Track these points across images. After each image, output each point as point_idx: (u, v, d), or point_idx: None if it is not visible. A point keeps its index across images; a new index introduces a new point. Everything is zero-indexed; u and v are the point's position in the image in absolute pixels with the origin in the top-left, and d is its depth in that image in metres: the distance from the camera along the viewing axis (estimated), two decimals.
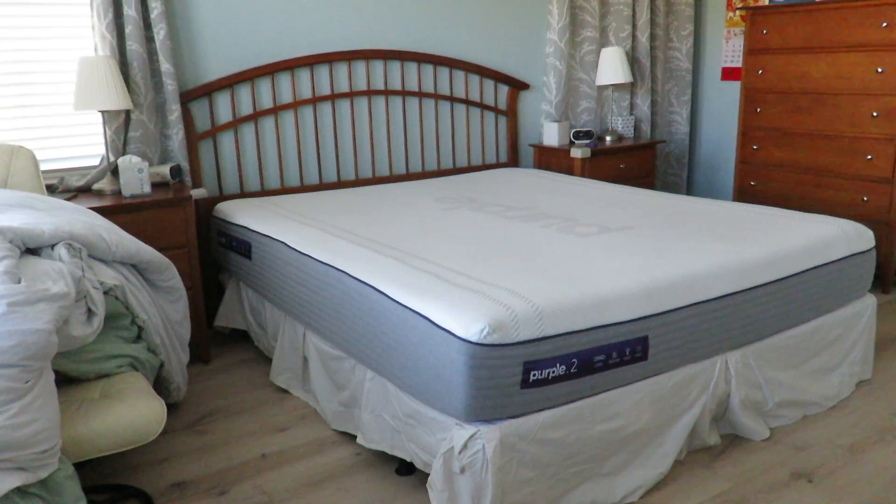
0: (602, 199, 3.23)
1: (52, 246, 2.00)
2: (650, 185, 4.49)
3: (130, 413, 1.91)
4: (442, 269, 2.19)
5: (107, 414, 1.88)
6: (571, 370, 1.89)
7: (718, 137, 4.92)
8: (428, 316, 1.89)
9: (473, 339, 1.76)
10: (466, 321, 1.79)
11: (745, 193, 4.28)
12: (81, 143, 3.18)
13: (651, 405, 2.08)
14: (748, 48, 4.15)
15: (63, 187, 3.04)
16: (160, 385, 2.55)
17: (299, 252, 2.60)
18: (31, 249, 1.97)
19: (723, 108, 4.86)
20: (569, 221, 2.81)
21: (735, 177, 4.32)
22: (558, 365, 1.87)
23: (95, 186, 3.02)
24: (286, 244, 2.70)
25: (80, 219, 2.21)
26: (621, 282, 2.05)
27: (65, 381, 2.04)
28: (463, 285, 2.01)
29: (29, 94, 3.04)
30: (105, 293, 2.15)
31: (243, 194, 3.52)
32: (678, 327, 2.10)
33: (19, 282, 1.70)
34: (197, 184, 3.38)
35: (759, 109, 4.15)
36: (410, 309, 1.96)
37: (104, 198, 2.93)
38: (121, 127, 3.11)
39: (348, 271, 2.29)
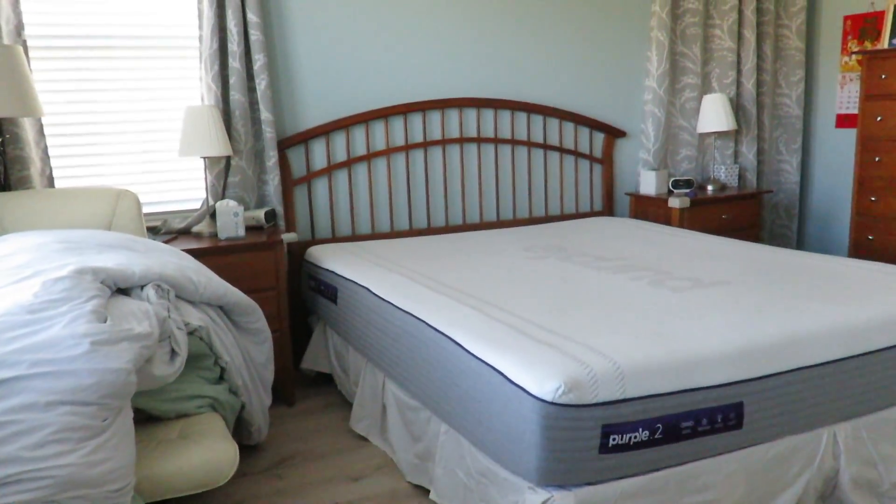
0: (700, 252, 3.06)
1: (143, 286, 2.07)
2: (755, 238, 4.24)
3: (205, 455, 1.93)
4: (521, 320, 2.12)
5: (182, 455, 1.91)
6: (656, 436, 1.76)
7: (832, 188, 4.61)
8: (501, 370, 1.82)
9: (548, 397, 1.67)
10: (541, 378, 1.70)
11: (861, 248, 3.97)
12: (185, 188, 3.34)
13: (746, 479, 1.91)
14: (865, 93, 3.89)
15: (165, 229, 3.19)
16: (241, 426, 2.58)
17: (381, 298, 2.59)
18: (123, 289, 2.05)
19: (837, 156, 4.57)
20: (661, 274, 2.67)
21: (851, 230, 4.02)
22: (641, 430, 1.74)
23: (195, 229, 3.15)
24: (370, 290, 2.70)
25: (171, 260, 2.29)
26: (713, 341, 1.90)
27: (146, 419, 2.09)
28: (541, 339, 1.93)
29: (140, 140, 3.23)
30: (190, 334, 2.21)
31: (335, 239, 3.58)
32: (778, 394, 1.92)
33: (105, 321, 1.76)
34: (290, 228, 3.46)
35: (877, 158, 3.86)
36: (484, 362, 1.89)
37: (202, 240, 3.04)
38: (221, 172, 3.24)
39: (426, 319, 2.25)
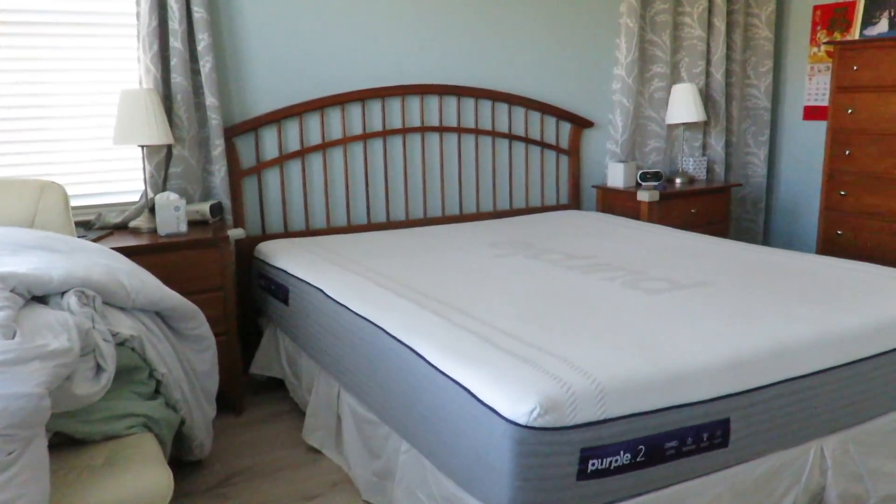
0: (671, 249, 2.92)
1: (63, 293, 1.83)
2: (723, 232, 4.14)
3: (134, 484, 1.70)
4: (490, 328, 1.94)
5: (107, 485, 1.68)
6: (638, 458, 1.60)
7: (800, 181, 4.54)
8: (469, 387, 1.64)
9: (521, 420, 1.49)
10: (514, 398, 1.52)
11: (831, 243, 3.89)
12: (123, 179, 3.07)
13: (732, 500, 1.76)
14: (836, 85, 3.80)
15: (100, 224, 2.92)
16: (182, 442, 2.35)
17: (335, 301, 2.38)
18: (40, 297, 1.81)
19: (805, 149, 4.49)
20: (635, 274, 2.52)
21: (820, 225, 3.94)
22: (622, 452, 1.58)
23: (132, 224, 2.89)
24: (323, 291, 2.49)
25: (100, 262, 2.05)
26: (700, 352, 1.75)
27: (67, 442, 1.86)
28: (512, 351, 1.75)
29: (72, 127, 2.95)
30: (120, 345, 1.98)
31: (287, 234, 3.35)
32: (765, 408, 1.78)
33: (13, 336, 1.53)
34: (239, 222, 3.22)
35: (848, 152, 3.78)
36: (449, 377, 1.71)
37: (140, 236, 2.79)
38: (162, 162, 2.98)
39: (384, 327, 2.06)
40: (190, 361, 2.36)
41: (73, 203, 2.97)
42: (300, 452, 2.60)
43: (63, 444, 1.86)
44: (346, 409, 2.36)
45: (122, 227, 2.94)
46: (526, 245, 3.07)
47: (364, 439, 2.25)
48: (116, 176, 3.06)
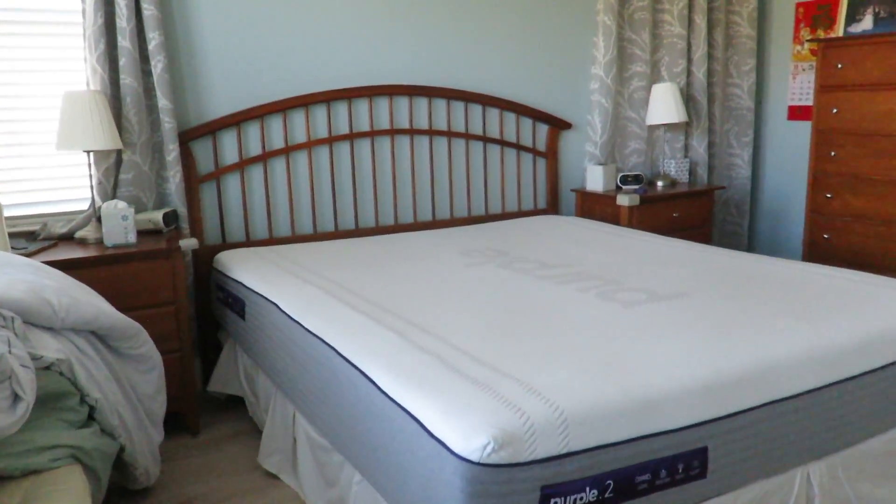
0: (651, 256, 2.78)
1: None
2: (707, 237, 4.01)
3: None
4: (449, 348, 1.78)
5: None
6: (606, 495, 1.45)
7: (785, 184, 4.41)
8: (419, 417, 1.48)
9: (473, 457, 1.34)
10: (466, 431, 1.37)
11: (817, 247, 3.77)
12: (72, 186, 2.90)
13: None
14: (820, 84, 3.68)
15: (45, 234, 2.75)
16: (125, 470, 2.19)
17: (289, 317, 2.22)
18: None
19: (790, 150, 4.37)
20: (611, 284, 2.37)
21: (805, 228, 3.81)
22: (588, 489, 1.43)
23: (78, 234, 2.72)
24: (277, 306, 2.33)
25: (24, 279, 1.89)
26: (674, 374, 1.60)
27: None
28: (470, 375, 1.60)
29: (15, 131, 2.78)
30: (46, 368, 1.81)
31: (249, 243, 3.18)
32: (746, 434, 1.64)
33: None
34: (197, 231, 3.05)
35: (833, 153, 3.65)
36: (398, 404, 1.55)
37: (87, 247, 2.62)
38: (111, 168, 2.81)
39: (335, 346, 1.90)
40: (132, 383, 2.19)
41: (17, 212, 2.80)
42: (256, 477, 2.44)
43: None
44: (301, 434, 2.20)
45: (68, 238, 2.77)
46: (499, 253, 2.92)
47: (319, 466, 2.09)
48: (65, 183, 2.89)
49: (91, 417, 1.95)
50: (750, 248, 4.57)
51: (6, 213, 2.78)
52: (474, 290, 2.34)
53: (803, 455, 1.76)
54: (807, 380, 1.73)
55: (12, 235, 2.76)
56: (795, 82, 4.29)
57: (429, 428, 1.44)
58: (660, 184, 3.98)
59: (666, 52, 4.10)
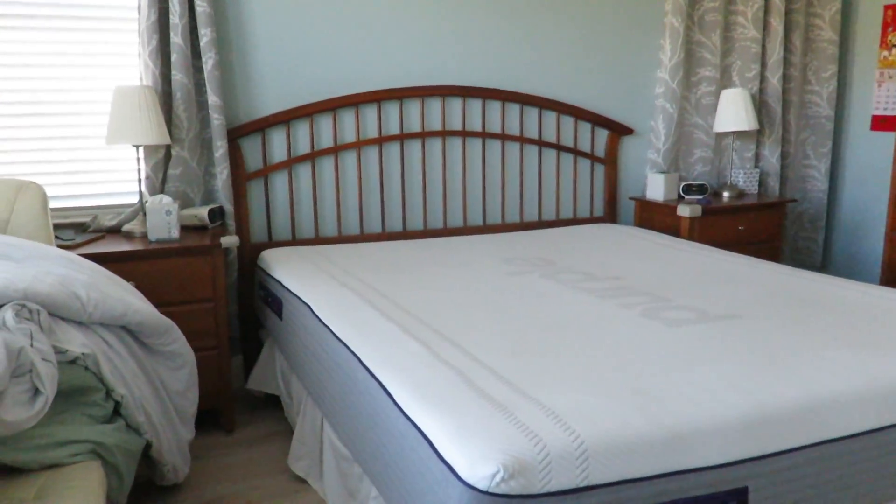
0: (708, 272, 2.61)
1: (1, 306, 1.68)
2: (775, 253, 3.77)
3: None
4: (473, 363, 1.69)
5: None
6: None
7: (865, 198, 4.12)
8: (430, 437, 1.40)
9: (481, 485, 1.24)
10: (474, 456, 1.27)
11: None
12: (124, 179, 2.94)
13: None
14: None
15: (94, 227, 2.79)
16: (153, 466, 2.18)
17: (319, 320, 2.17)
18: None
19: (872, 163, 4.08)
20: (659, 301, 2.23)
21: (885, 248, 3.54)
22: None
23: (125, 228, 2.75)
24: (310, 308, 2.28)
25: (55, 272, 1.89)
26: (711, 406, 1.47)
27: (6, 469, 1.69)
28: (488, 394, 1.50)
29: (72, 125, 2.83)
30: (72, 362, 1.81)
31: (295, 242, 3.16)
32: (794, 476, 1.48)
33: None
34: (243, 229, 3.05)
35: None
36: (412, 422, 1.47)
37: (133, 241, 2.65)
38: (160, 163, 2.84)
39: (358, 353, 1.83)
40: (162, 380, 2.18)
41: (72, 203, 2.85)
42: (285, 480, 2.40)
43: (0, 470, 1.70)
44: (327, 440, 2.14)
45: (115, 231, 2.81)
46: (545, 262, 2.80)
47: (342, 476, 2.03)
48: (117, 177, 2.93)
49: (117, 413, 1.95)
50: (823, 266, 4.29)
51: (61, 204, 2.84)
52: (511, 301, 2.24)
53: (858, 503, 1.59)
54: (866, 419, 1.56)
55: (65, 226, 2.81)
56: (881, 90, 4.00)
57: (438, 449, 1.36)
58: (726, 194, 3.78)
59: (738, 56, 3.88)
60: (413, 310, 2.15)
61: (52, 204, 2.82)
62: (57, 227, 2.80)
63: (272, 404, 3.00)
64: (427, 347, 1.81)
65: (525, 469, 1.25)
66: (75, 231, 2.80)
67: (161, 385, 2.17)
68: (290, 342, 2.47)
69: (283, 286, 2.59)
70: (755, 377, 1.61)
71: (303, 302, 2.37)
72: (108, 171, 2.91)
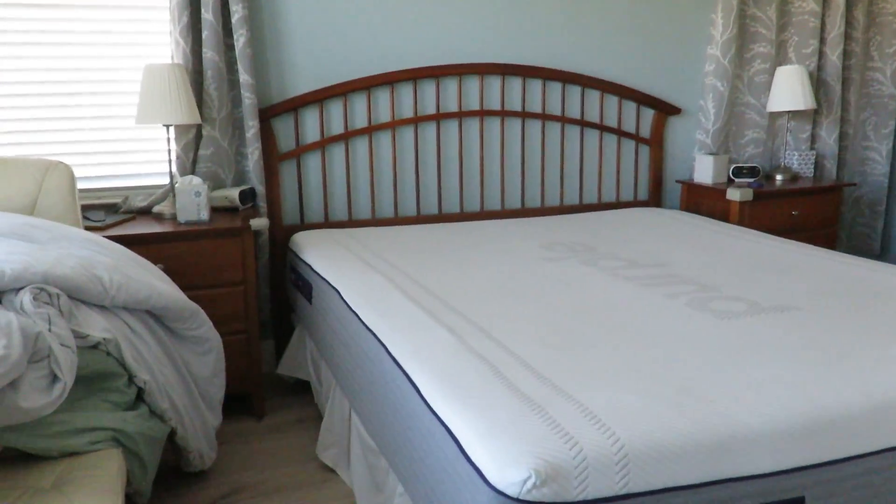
0: (760, 260, 2.46)
1: (20, 289, 1.63)
2: (831, 240, 3.58)
3: None
4: (507, 355, 1.59)
5: None
6: None
7: None
8: (457, 436, 1.30)
9: (511, 491, 1.15)
10: (504, 460, 1.18)
11: None
12: (154, 160, 2.90)
13: None
14: None
15: (125, 207, 2.76)
16: (179, 452, 2.14)
17: (348, 306, 2.10)
18: None
19: None
20: (707, 291, 2.09)
21: None
22: None
23: (156, 209, 2.71)
24: (339, 293, 2.21)
25: (77, 254, 1.85)
26: (764, 407, 1.34)
27: (24, 457, 1.66)
28: (521, 390, 1.40)
29: (103, 104, 2.80)
30: (93, 347, 1.76)
31: (327, 224, 3.09)
32: (854, 485, 1.35)
33: None
34: (275, 210, 2.99)
35: None
36: (439, 418, 1.38)
37: (163, 222, 2.61)
38: (191, 143, 2.79)
39: (386, 343, 1.75)
40: (188, 365, 2.14)
41: (104, 185, 2.82)
42: (313, 469, 2.34)
43: (19, 458, 1.67)
44: (354, 431, 2.07)
45: (146, 212, 2.77)
46: (586, 248, 2.68)
47: (369, 468, 1.96)
48: (149, 157, 2.89)
49: (140, 399, 1.90)
50: (882, 255, 4.07)
51: (93, 185, 2.81)
52: (548, 289, 2.13)
53: None
54: None
55: (97, 207, 2.79)
56: None
57: (465, 450, 1.26)
58: (779, 178, 3.59)
59: (795, 31, 3.67)
60: (445, 297, 2.05)
61: (84, 185, 2.80)
62: (88, 207, 2.77)
63: (303, 389, 2.95)
64: (458, 337, 1.71)
65: (559, 475, 1.15)
66: (106, 212, 2.77)
67: (187, 370, 2.13)
68: (320, 327, 2.40)
69: (314, 270, 2.52)
70: (812, 376, 1.47)
71: (332, 286, 2.29)
72: (139, 152, 2.87)
